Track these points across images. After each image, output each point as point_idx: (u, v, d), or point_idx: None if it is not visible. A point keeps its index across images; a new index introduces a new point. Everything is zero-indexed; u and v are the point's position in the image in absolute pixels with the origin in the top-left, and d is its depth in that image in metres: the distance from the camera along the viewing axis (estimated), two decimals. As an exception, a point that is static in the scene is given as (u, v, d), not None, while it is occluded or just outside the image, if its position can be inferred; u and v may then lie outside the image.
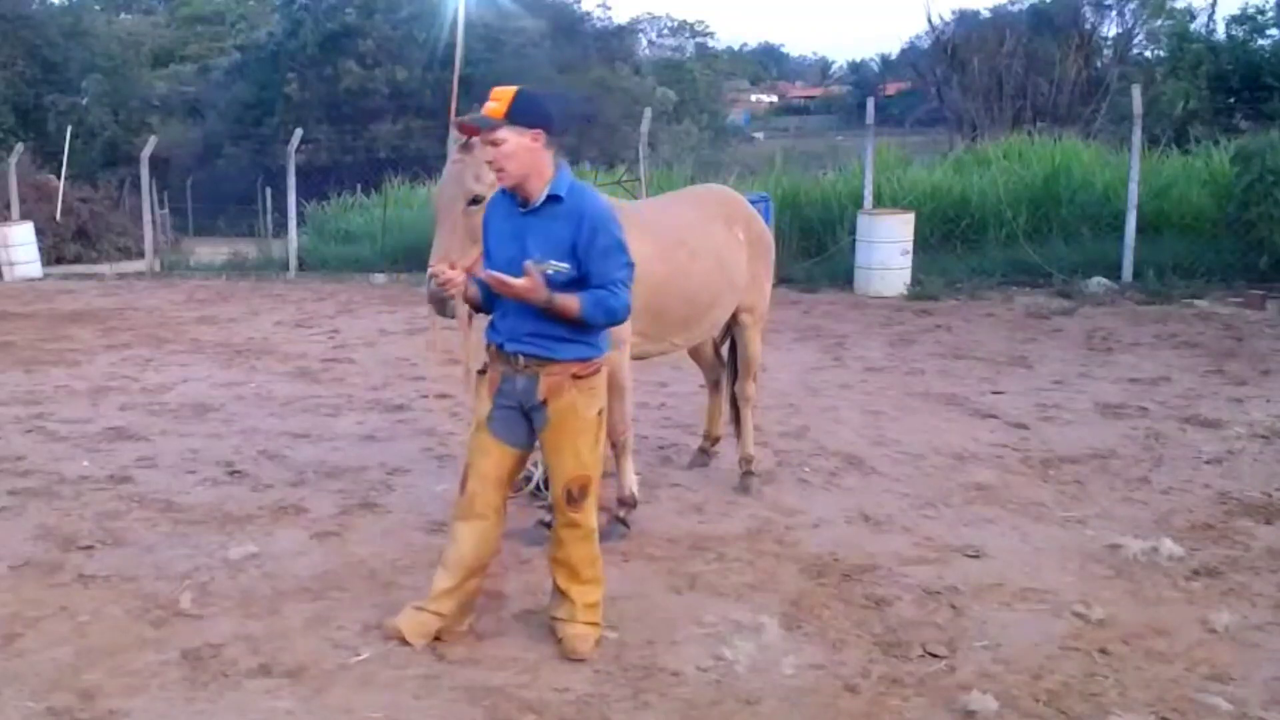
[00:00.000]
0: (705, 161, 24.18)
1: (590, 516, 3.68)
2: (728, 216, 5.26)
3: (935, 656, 3.56)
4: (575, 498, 3.62)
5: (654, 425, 6.63)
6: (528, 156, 3.43)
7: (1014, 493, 5.26)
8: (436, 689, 3.41)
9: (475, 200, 4.04)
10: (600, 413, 3.67)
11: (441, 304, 4.01)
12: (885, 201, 13.50)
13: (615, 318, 3.51)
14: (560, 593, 3.72)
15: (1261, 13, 19.84)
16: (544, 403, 3.54)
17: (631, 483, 4.85)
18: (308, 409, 7.31)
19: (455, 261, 3.96)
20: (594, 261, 3.44)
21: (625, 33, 41.82)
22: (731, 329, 5.48)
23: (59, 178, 20.28)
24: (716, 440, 5.85)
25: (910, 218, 12.38)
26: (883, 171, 14.20)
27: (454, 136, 4.10)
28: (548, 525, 4.69)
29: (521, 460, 3.73)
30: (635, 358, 4.83)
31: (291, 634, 3.80)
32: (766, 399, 6.63)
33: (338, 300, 13.12)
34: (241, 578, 4.31)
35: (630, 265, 3.52)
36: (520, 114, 3.40)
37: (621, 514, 4.79)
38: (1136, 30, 26.92)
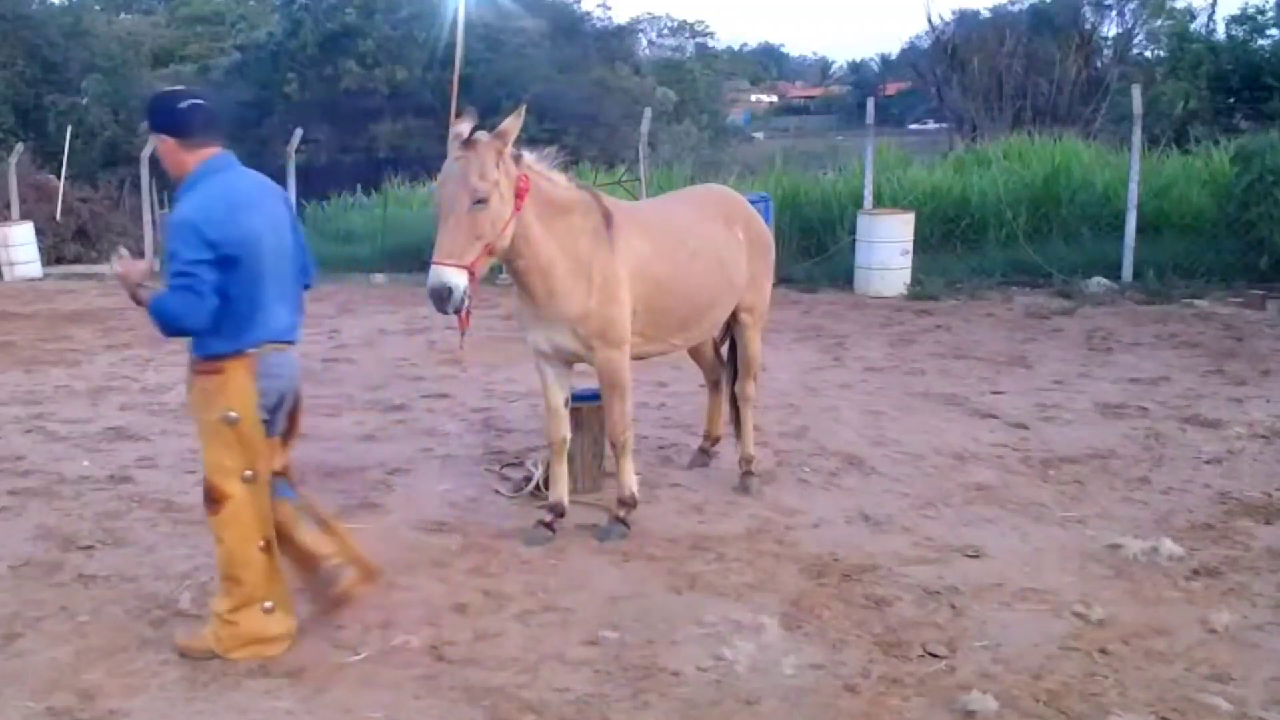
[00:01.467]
0: (705, 161, 24.18)
1: (220, 527, 3.52)
2: (727, 216, 5.25)
3: (935, 656, 3.56)
4: (206, 498, 3.56)
5: (654, 425, 6.63)
6: (168, 159, 3.55)
7: (1014, 493, 5.26)
8: (436, 689, 3.41)
9: (480, 199, 4.03)
10: (227, 421, 3.46)
11: (442, 302, 4.02)
12: (885, 201, 13.49)
13: (160, 319, 3.40)
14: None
15: (1261, 13, 19.82)
16: None
17: (631, 483, 4.84)
18: (307, 409, 7.29)
19: (462, 259, 3.99)
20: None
21: (625, 33, 41.75)
22: (731, 329, 5.48)
23: (59, 178, 20.26)
24: (717, 440, 5.84)
25: (910, 218, 12.38)
26: (883, 171, 14.20)
27: (453, 136, 4.11)
28: (548, 525, 4.70)
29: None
30: (635, 358, 4.83)
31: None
32: (766, 399, 6.63)
33: (337, 300, 13.11)
34: (241, 578, 4.30)
35: (181, 274, 3.34)
36: (151, 122, 3.56)
37: (621, 514, 4.79)
38: (1136, 30, 26.93)
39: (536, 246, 4.37)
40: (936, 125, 28.36)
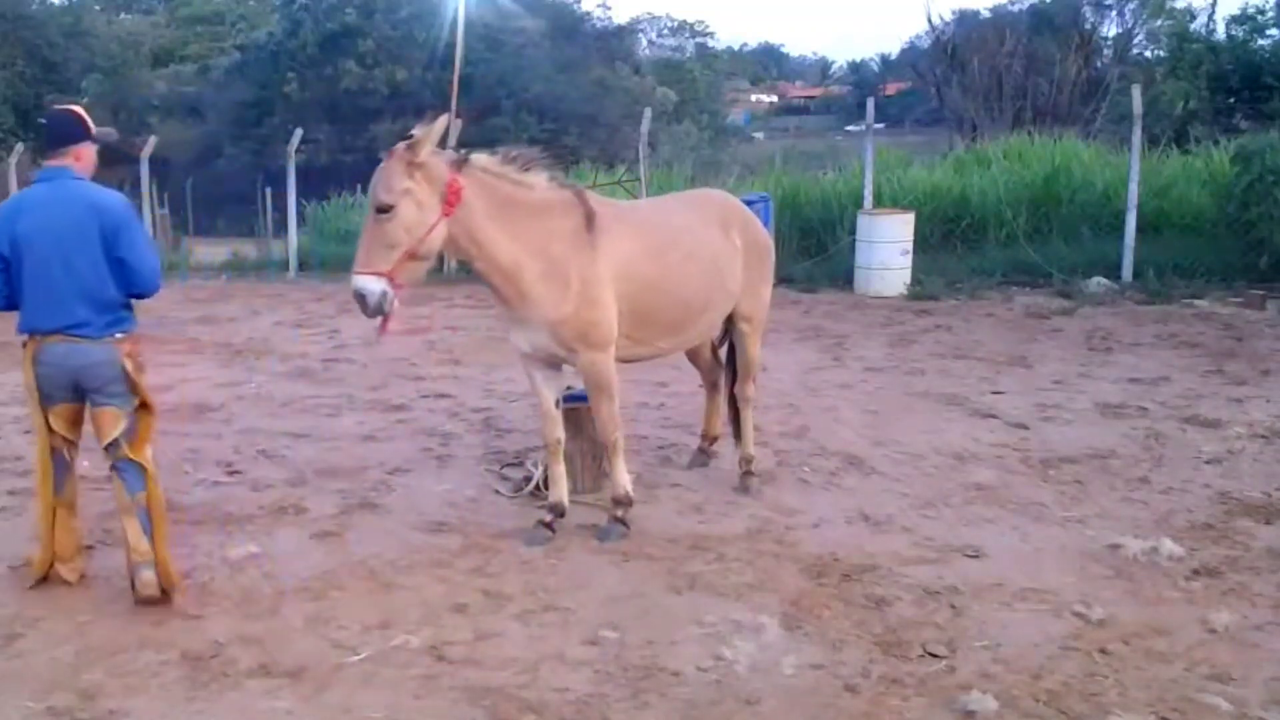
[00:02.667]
0: (705, 161, 24.17)
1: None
2: (724, 221, 5.20)
3: (935, 656, 3.56)
4: None
5: (654, 425, 6.63)
6: None
7: (1014, 493, 5.26)
8: (436, 689, 3.41)
9: (382, 209, 4.14)
10: (26, 389, 4.20)
11: (362, 307, 4.26)
12: (885, 201, 13.49)
13: None
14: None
15: (1261, 13, 19.83)
16: None
17: (625, 482, 4.82)
18: (308, 409, 7.31)
19: (376, 267, 4.19)
20: None
21: (625, 33, 41.69)
22: (730, 334, 5.47)
23: (59, 178, 20.24)
24: (715, 439, 5.82)
25: (910, 218, 12.38)
26: (883, 171, 14.20)
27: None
28: (548, 525, 4.70)
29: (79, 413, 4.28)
30: (622, 360, 4.81)
31: (291, 634, 3.80)
32: (766, 399, 6.63)
33: (338, 300, 13.08)
34: (241, 578, 4.31)
35: None
36: None
37: (619, 514, 4.78)
38: (1136, 30, 26.94)
39: (490, 249, 4.39)
40: (856, 127, 28.01)
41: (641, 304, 4.72)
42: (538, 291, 4.46)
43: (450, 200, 4.26)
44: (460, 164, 4.36)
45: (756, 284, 5.30)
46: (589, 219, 4.55)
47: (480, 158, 4.46)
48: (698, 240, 4.99)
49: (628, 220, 4.85)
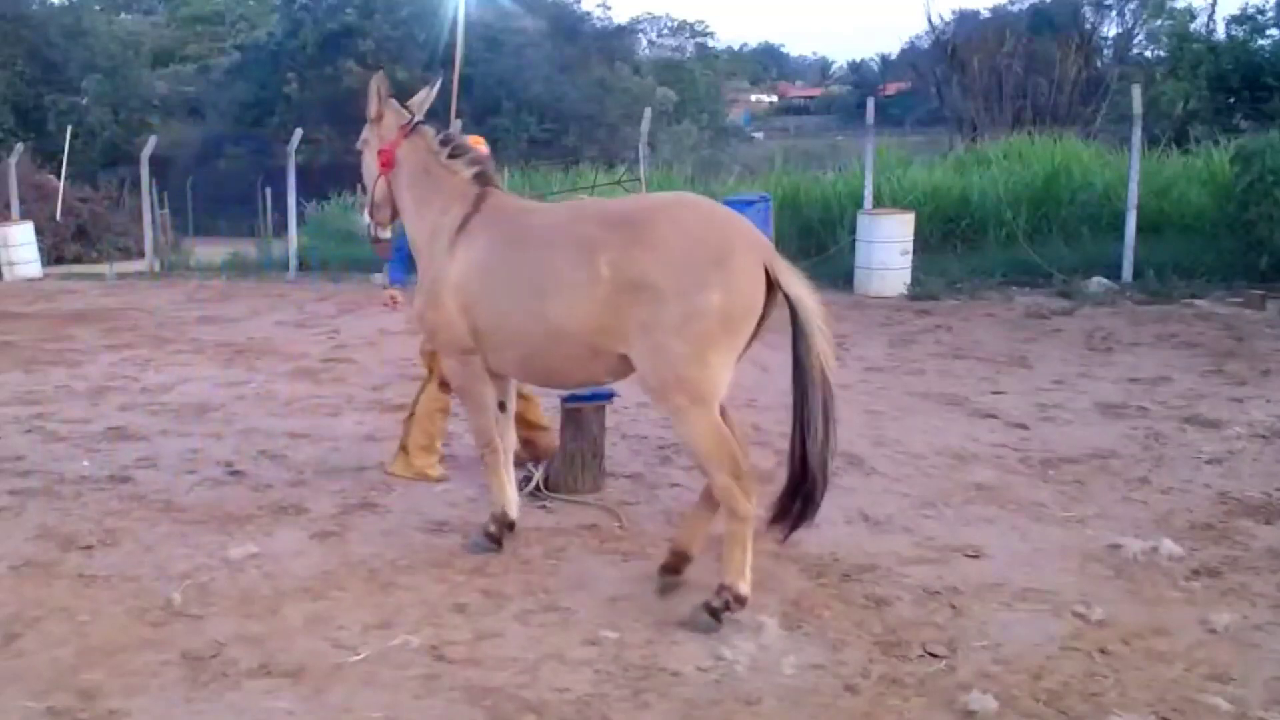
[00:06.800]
0: (705, 161, 24.19)
1: None
2: (593, 241, 3.76)
3: (935, 656, 3.56)
4: None
5: (654, 425, 6.63)
6: None
7: (1014, 493, 5.25)
8: (436, 689, 3.41)
9: (358, 150, 4.70)
10: None
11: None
12: (885, 201, 13.51)
13: None
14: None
15: (1261, 13, 19.86)
16: None
17: (503, 500, 4.53)
18: (308, 409, 7.30)
19: (363, 199, 4.76)
20: None
21: (625, 33, 41.72)
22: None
23: (59, 178, 20.28)
24: (685, 560, 4.08)
25: (910, 218, 12.39)
26: (883, 171, 14.21)
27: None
28: (494, 537, 4.59)
29: None
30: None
31: (291, 634, 3.79)
32: (766, 399, 6.62)
33: (338, 300, 13.12)
34: (241, 578, 4.30)
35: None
36: None
37: (492, 529, 4.53)
38: (1136, 30, 26.97)
39: (405, 218, 4.58)
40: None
41: (478, 323, 4.19)
42: (418, 280, 4.50)
43: (382, 160, 4.54)
44: (409, 130, 4.53)
45: (658, 335, 3.62)
46: (465, 219, 4.27)
47: (425, 130, 4.57)
48: (529, 262, 4.00)
49: (496, 230, 4.21)
